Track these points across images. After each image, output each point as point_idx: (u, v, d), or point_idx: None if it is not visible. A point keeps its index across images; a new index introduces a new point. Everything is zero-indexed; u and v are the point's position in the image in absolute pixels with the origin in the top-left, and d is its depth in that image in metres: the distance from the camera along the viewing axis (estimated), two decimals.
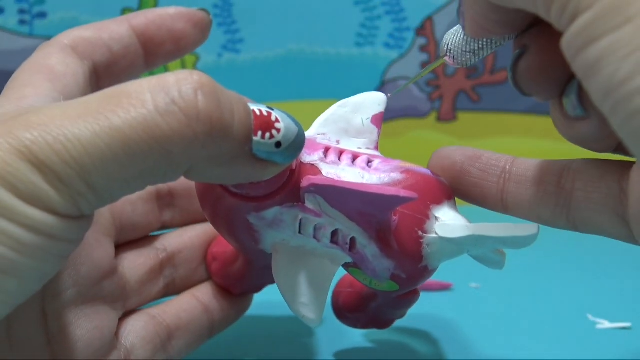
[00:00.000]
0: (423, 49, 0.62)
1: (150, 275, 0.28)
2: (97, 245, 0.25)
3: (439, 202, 0.24)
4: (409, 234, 0.23)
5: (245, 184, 0.22)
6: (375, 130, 0.25)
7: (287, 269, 0.24)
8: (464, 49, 0.24)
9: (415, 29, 0.62)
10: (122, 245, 0.28)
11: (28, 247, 0.17)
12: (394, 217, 0.23)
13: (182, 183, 0.30)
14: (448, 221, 0.24)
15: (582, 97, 0.20)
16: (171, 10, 0.26)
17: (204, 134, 0.18)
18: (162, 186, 0.29)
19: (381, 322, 0.29)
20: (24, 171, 0.17)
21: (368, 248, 0.24)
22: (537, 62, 0.21)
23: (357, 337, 0.33)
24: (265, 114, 0.20)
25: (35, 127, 0.17)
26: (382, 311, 0.28)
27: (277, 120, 0.20)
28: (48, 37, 0.24)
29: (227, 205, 0.23)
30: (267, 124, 0.20)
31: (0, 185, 0.16)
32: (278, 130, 0.20)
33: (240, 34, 0.61)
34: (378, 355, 0.32)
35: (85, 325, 0.23)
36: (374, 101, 0.26)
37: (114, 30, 0.25)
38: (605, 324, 0.35)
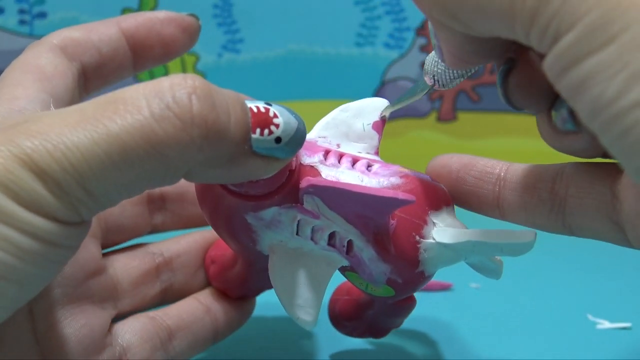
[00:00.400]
0: (423, 49, 0.62)
1: (145, 277, 0.28)
2: (81, 247, 0.25)
3: (437, 207, 0.24)
4: (406, 239, 0.23)
5: (244, 183, 0.22)
6: (375, 135, 0.25)
7: (284, 270, 0.24)
8: (450, 77, 0.24)
9: (415, 29, 0.62)
10: (117, 249, 0.28)
11: (29, 254, 0.17)
12: (392, 221, 0.23)
13: (174, 187, 0.29)
14: (446, 227, 0.24)
15: (573, 111, 0.19)
16: (161, 14, 0.26)
17: (200, 137, 0.18)
18: (153, 189, 0.29)
19: (377, 330, 0.29)
20: (26, 179, 0.17)
21: (365, 251, 0.24)
22: (526, 76, 0.20)
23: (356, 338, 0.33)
24: (262, 110, 0.20)
25: (35, 136, 0.17)
26: (379, 319, 0.28)
27: (275, 116, 0.20)
28: None
29: (226, 205, 0.23)
30: (265, 121, 0.20)
31: (3, 192, 0.17)
32: (277, 126, 0.20)
33: (240, 34, 0.61)
34: (378, 355, 0.32)
35: (74, 324, 0.24)
36: (376, 107, 0.26)
37: (104, 32, 0.25)
38: (605, 324, 0.35)
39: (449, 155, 0.25)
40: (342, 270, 0.25)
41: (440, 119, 0.63)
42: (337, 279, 0.27)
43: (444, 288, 0.39)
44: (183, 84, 0.18)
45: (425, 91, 0.25)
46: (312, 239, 0.24)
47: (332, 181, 0.23)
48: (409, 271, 0.24)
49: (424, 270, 0.24)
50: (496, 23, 0.17)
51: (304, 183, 0.23)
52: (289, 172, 0.23)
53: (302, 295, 0.24)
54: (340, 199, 0.23)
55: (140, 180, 0.18)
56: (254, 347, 0.32)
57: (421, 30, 0.62)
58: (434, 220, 0.24)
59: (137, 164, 0.18)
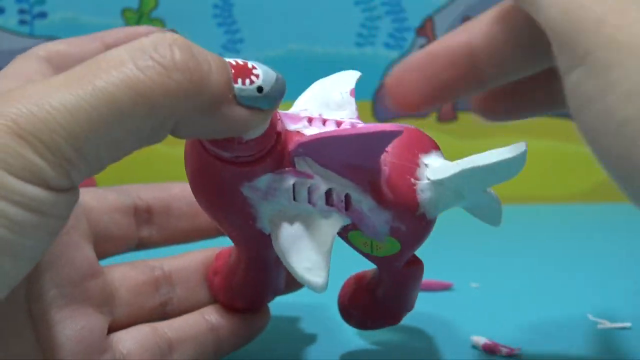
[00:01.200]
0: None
1: (143, 287, 0.28)
2: (76, 248, 0.25)
3: (426, 150, 0.25)
4: (401, 182, 0.24)
5: (234, 145, 0.22)
6: (354, 101, 0.26)
7: (287, 238, 0.24)
8: None
9: (415, 29, 0.62)
10: (116, 264, 0.28)
11: (20, 225, 0.17)
12: (384, 168, 0.24)
13: (160, 200, 0.30)
14: (437, 166, 0.24)
15: None
16: (142, 29, 0.27)
17: (185, 81, 0.19)
18: (139, 202, 0.29)
19: (391, 315, 0.29)
20: (13, 145, 0.17)
21: (364, 202, 0.24)
22: None
23: (357, 337, 0.33)
24: (241, 63, 0.21)
25: (19, 100, 0.17)
26: (390, 299, 0.28)
27: (254, 67, 0.21)
28: (48, 37, 0.25)
29: (220, 177, 0.23)
30: (244, 72, 0.21)
31: None
32: (257, 76, 0.21)
33: (240, 34, 0.61)
34: (378, 355, 0.32)
35: (73, 325, 0.24)
36: (349, 77, 0.27)
37: (87, 46, 0.26)
38: (606, 324, 0.35)
39: (401, 71, 0.28)
40: (345, 231, 0.25)
41: (440, 119, 0.63)
42: (344, 275, 0.27)
43: (444, 288, 0.39)
44: (163, 37, 0.19)
45: None
46: (310, 201, 0.24)
47: (318, 134, 0.24)
48: (410, 215, 0.24)
49: (424, 212, 0.24)
50: None
51: (292, 145, 0.23)
52: (277, 134, 0.23)
53: (309, 258, 0.24)
54: (330, 149, 0.23)
55: (129, 135, 0.19)
56: (255, 348, 0.32)
57: (421, 30, 0.62)
58: (425, 162, 0.25)
59: (125, 115, 0.18)
